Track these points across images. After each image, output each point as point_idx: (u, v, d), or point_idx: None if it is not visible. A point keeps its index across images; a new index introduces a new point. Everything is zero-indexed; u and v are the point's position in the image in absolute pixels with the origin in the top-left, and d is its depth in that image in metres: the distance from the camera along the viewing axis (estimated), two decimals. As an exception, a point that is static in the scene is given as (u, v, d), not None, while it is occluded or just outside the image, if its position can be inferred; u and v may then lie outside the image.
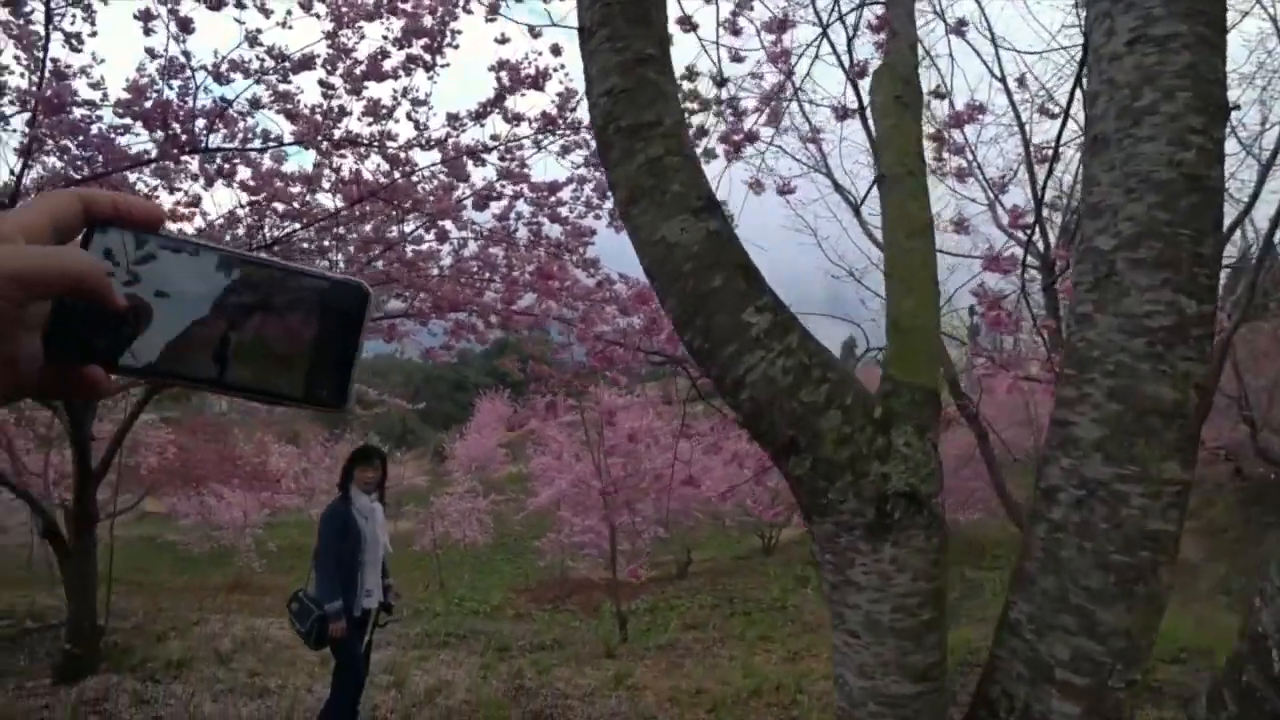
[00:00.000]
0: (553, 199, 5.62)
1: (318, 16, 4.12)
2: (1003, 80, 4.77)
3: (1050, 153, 4.99)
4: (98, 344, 0.43)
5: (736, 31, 3.94)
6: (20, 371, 0.42)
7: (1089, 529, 1.24)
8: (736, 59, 4.13)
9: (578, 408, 9.17)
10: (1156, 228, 1.29)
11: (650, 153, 1.49)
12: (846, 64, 3.57)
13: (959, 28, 3.43)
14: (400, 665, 6.36)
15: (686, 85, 4.84)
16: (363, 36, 4.24)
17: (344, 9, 4.08)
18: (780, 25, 3.93)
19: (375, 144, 4.79)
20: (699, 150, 4.85)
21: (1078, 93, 2.74)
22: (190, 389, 0.49)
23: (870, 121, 2.04)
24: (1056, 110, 5.16)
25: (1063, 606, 1.25)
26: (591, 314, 6.42)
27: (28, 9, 3.60)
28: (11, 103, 3.81)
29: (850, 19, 3.37)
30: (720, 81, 4.33)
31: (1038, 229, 5.26)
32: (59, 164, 4.22)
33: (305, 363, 0.45)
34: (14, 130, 3.97)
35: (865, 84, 3.19)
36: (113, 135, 4.00)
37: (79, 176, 4.13)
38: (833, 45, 3.39)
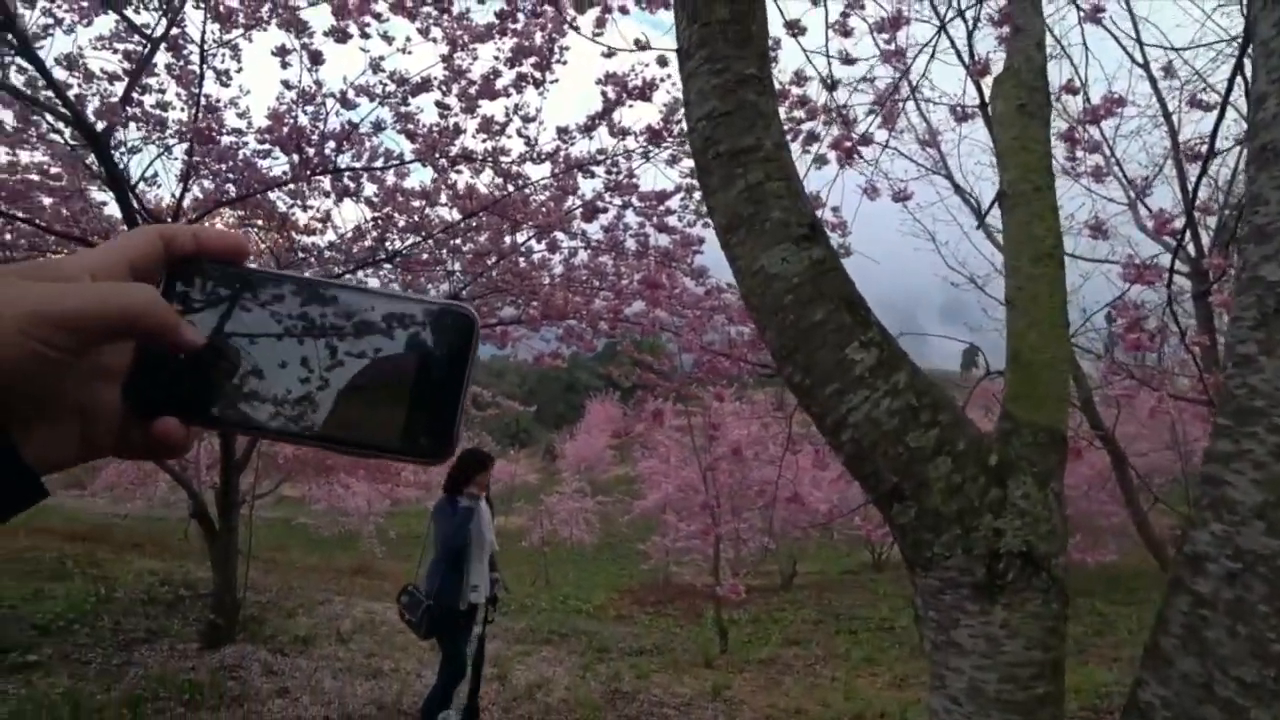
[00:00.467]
0: (661, 208, 5.64)
1: (434, 41, 4.33)
2: (1145, 67, 4.31)
3: (1204, 148, 4.46)
4: (178, 394, 0.39)
5: (847, 33, 3.78)
6: (96, 426, 0.38)
7: (1244, 610, 1.08)
8: (848, 61, 3.97)
9: (685, 412, 9.16)
10: (1340, 256, 1.11)
11: (750, 178, 1.44)
12: (966, 60, 3.35)
13: (1095, 14, 3.13)
14: (504, 659, 6.57)
15: (796, 90, 4.72)
16: (476, 58, 4.41)
17: (459, 33, 4.25)
18: (894, 23, 3.75)
19: (489, 159, 4.98)
20: (810, 157, 4.72)
21: (1238, 80, 2.43)
22: (277, 441, 0.45)
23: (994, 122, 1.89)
24: (1211, 100, 4.60)
25: (1207, 697, 1.09)
26: (700, 322, 6.41)
27: (186, 51, 4.00)
28: (172, 135, 4.24)
29: (970, 13, 3.16)
30: (830, 86, 4.18)
31: (1188, 232, 4.70)
32: (211, 187, 4.66)
33: (404, 408, 0.40)
34: (175, 159, 4.43)
35: (987, 81, 2.98)
36: (255, 159, 4.37)
37: (228, 198, 4.55)
38: (951, 41, 3.20)
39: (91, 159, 4.23)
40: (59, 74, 4.16)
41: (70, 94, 4.09)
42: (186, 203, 4.50)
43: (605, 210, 5.42)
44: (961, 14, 3.17)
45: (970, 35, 3.19)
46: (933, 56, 3.00)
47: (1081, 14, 3.42)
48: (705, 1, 1.49)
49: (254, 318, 0.40)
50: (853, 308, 1.33)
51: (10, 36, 3.64)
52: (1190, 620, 1.16)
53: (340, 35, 4.23)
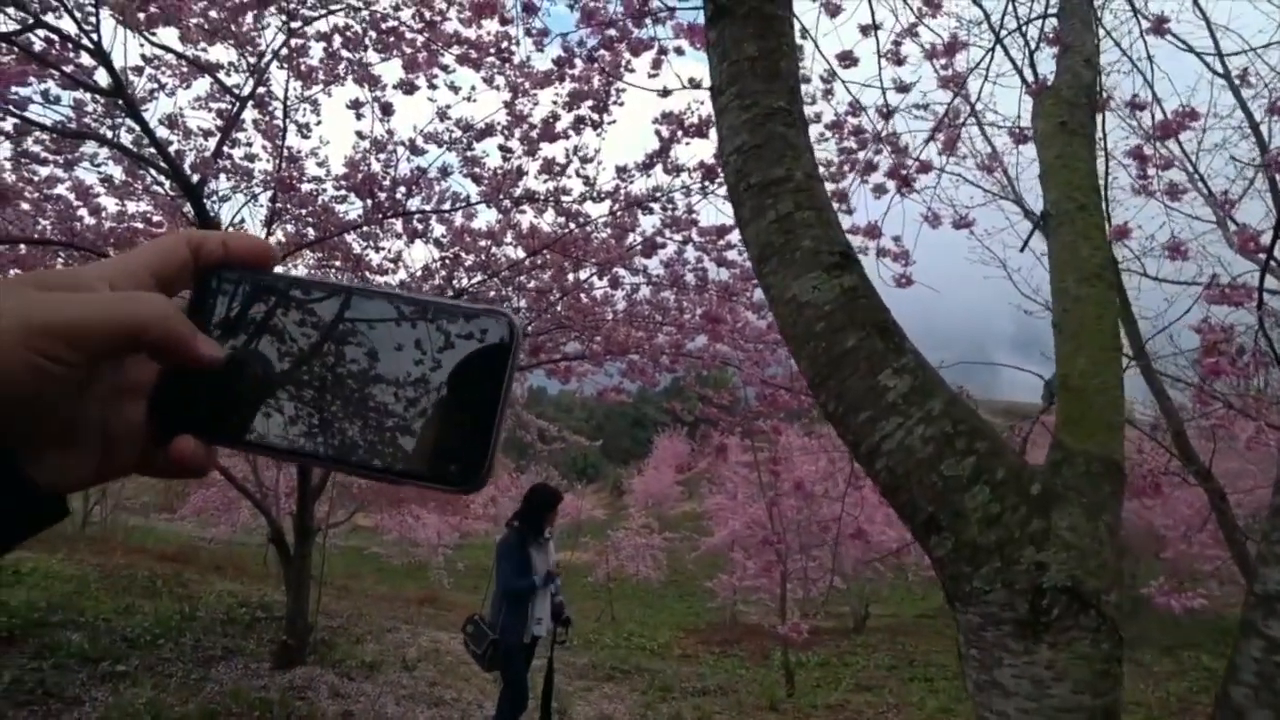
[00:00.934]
0: (720, 243, 5.67)
1: (498, 89, 4.53)
2: (1226, 76, 4.07)
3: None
4: (201, 412, 0.37)
5: (900, 61, 3.76)
6: (119, 444, 0.37)
7: (1321, 654, 0.99)
8: (902, 89, 3.94)
9: (752, 448, 9.04)
10: None
11: (780, 209, 1.45)
12: (1027, 80, 3.27)
13: (1159, 26, 3.01)
14: (566, 695, 6.53)
15: (853, 120, 4.71)
16: (536, 103, 4.60)
17: (520, 80, 4.45)
18: (949, 49, 3.70)
19: (551, 199, 5.14)
20: (869, 186, 4.67)
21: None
22: (301, 464, 0.41)
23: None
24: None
25: (1283, 750, 1.00)
26: (761, 356, 6.37)
27: (271, 108, 4.33)
28: (258, 184, 4.58)
29: (1031, 29, 3.08)
30: (887, 114, 4.16)
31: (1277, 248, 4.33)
32: (293, 230, 4.98)
33: (434, 430, 0.37)
34: (261, 206, 4.78)
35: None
36: (333, 205, 4.65)
37: (307, 241, 4.85)
38: (1008, 54, 3.12)
39: (188, 207, 4.60)
40: (161, 132, 4.58)
41: (171, 150, 4.48)
42: (270, 246, 4.83)
43: (664, 246, 5.50)
44: (1021, 29, 3.09)
45: (1032, 55, 3.11)
46: (986, 77, 2.94)
47: (1144, 23, 3.27)
48: (734, 41, 1.53)
49: (283, 331, 0.38)
50: (885, 334, 1.31)
51: (121, 102, 4.02)
52: (1263, 668, 1.07)
53: (408, 87, 4.49)
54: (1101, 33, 3.37)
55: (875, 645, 12.17)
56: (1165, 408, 5.52)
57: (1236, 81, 4.48)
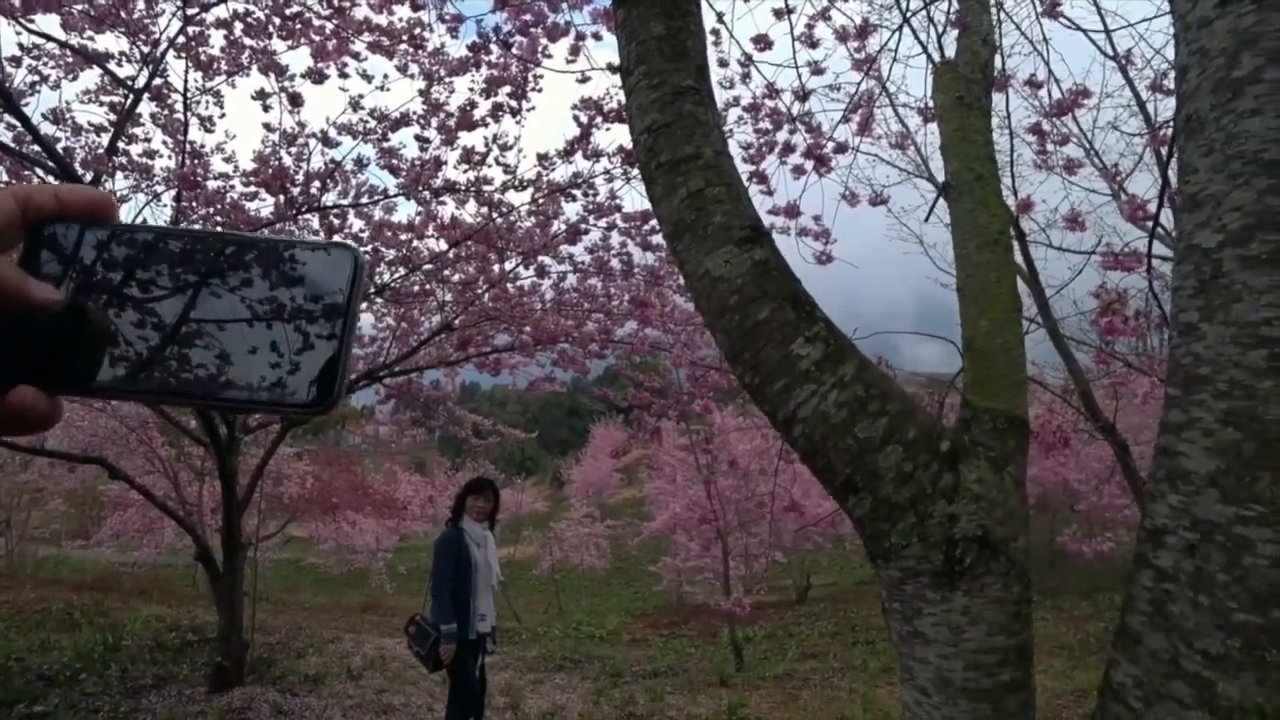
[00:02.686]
0: (645, 227, 5.68)
1: (412, 77, 4.40)
2: (1114, 57, 4.35)
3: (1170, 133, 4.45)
4: (42, 362, 0.36)
5: (814, 44, 3.83)
6: None
7: (1204, 580, 1.07)
8: (817, 72, 4.02)
9: (688, 431, 9.15)
10: (1270, 217, 1.11)
11: (691, 186, 1.46)
12: (934, 59, 3.38)
13: (1053, 9, 3.17)
14: (516, 688, 6.51)
15: (769, 103, 4.78)
16: (453, 91, 4.48)
17: (435, 67, 4.33)
18: (861, 32, 3.80)
19: (472, 189, 5.03)
20: (788, 167, 4.76)
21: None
22: (158, 404, 0.42)
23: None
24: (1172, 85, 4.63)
25: (1174, 672, 1.08)
26: (693, 338, 6.42)
27: (170, 100, 4.08)
28: (159, 182, 4.32)
29: (937, 16, 3.19)
30: (803, 96, 4.24)
31: (1163, 216, 4.66)
32: (200, 230, 4.73)
33: (286, 358, 0.37)
34: (165, 205, 4.51)
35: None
36: (243, 202, 4.43)
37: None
38: (916, 37, 3.23)
39: (80, 210, 4.29)
40: (46, 128, 4.25)
41: (59, 147, 4.18)
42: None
43: (588, 232, 5.47)
44: (926, 8, 3.19)
45: (940, 37, 3.22)
46: (895, 58, 3.03)
47: (1039, 5, 3.43)
48: (641, 20, 1.53)
49: (127, 277, 0.37)
50: (797, 304, 1.35)
51: (-4, 96, 3.72)
52: (1155, 595, 1.15)
53: (317, 76, 4.31)
54: (1002, 15, 3.52)
55: (818, 614, 12.57)
56: (1072, 369, 5.85)
57: (1124, 62, 4.77)
